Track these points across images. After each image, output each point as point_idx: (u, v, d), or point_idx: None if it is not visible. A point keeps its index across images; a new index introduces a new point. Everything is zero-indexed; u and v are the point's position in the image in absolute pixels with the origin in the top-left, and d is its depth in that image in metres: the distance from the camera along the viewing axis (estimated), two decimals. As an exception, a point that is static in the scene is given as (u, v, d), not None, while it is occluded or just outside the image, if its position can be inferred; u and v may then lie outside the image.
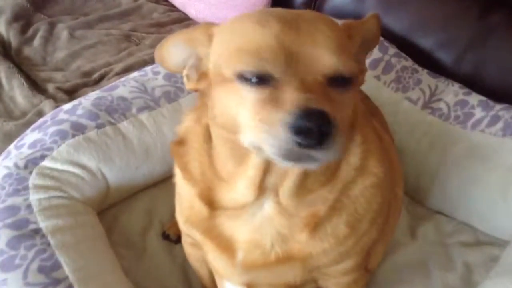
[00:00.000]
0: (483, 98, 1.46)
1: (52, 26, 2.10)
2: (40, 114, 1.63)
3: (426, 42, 1.68)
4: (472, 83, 1.55)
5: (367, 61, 1.56)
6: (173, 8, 2.29)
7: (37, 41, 2.02)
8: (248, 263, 0.89)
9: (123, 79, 1.43)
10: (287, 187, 0.83)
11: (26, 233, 1.04)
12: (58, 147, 1.19)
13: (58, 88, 1.80)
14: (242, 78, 0.72)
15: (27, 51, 1.99)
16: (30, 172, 1.15)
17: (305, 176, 0.82)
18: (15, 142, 1.24)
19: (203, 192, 0.87)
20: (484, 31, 1.62)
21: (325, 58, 0.72)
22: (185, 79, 0.84)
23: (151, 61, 1.85)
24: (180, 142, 0.91)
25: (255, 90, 0.71)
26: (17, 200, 1.10)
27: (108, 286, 1.05)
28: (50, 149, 1.18)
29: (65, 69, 1.92)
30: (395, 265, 1.26)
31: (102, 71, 1.88)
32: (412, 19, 1.73)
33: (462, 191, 1.34)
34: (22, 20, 2.11)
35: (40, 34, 2.05)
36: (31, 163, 1.17)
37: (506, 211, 1.27)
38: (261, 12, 0.78)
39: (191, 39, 0.81)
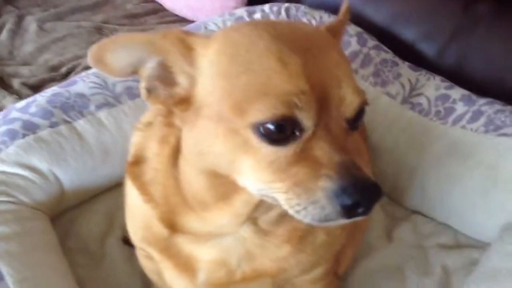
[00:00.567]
0: (466, 92, 1.38)
1: (20, 19, 2.03)
2: (1, 111, 1.55)
3: (408, 33, 1.61)
4: (456, 76, 1.48)
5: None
6: (148, -2, 2.20)
7: (4, 35, 1.95)
8: (211, 283, 0.83)
9: (83, 73, 1.35)
10: (269, 216, 0.78)
11: (-34, 241, 0.97)
12: (6, 148, 1.11)
13: (24, 84, 1.74)
14: (261, 129, 0.62)
15: (-7, 45, 1.91)
16: (-24, 175, 1.07)
17: None
18: (-37, 142, 1.16)
19: (165, 216, 0.79)
20: (469, 21, 1.55)
21: (350, 99, 0.65)
22: (143, 93, 0.70)
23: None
24: (136, 163, 0.83)
25: (279, 146, 0.63)
26: (-40, 205, 1.02)
27: (56, 299, 0.97)
28: (-2, 150, 1.10)
29: (32, 63, 1.85)
30: (368, 270, 1.19)
31: (70, 65, 1.80)
32: (394, 9, 1.66)
33: (441, 190, 1.28)
34: (-11, 13, 2.03)
35: (7, 27, 1.98)
36: (-23, 165, 1.09)
37: (486, 212, 1.20)
38: (269, 36, 0.65)
39: (155, 45, 0.67)
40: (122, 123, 1.25)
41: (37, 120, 1.17)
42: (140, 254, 1.00)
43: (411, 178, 1.33)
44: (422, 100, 1.39)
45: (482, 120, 1.30)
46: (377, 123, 1.39)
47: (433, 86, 1.41)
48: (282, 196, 0.63)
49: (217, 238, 0.80)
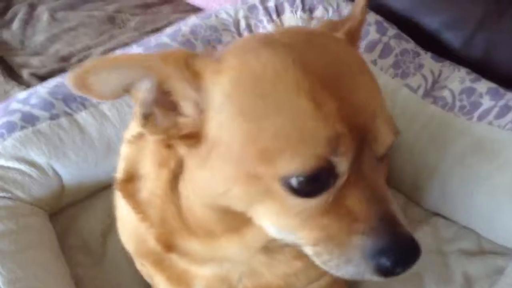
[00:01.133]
0: (493, 85, 1.29)
1: (32, 8, 2.01)
2: (8, 102, 1.52)
3: (431, 21, 1.51)
4: (482, 68, 1.38)
5: (362, 44, 1.40)
6: (163, -13, 2.15)
7: (15, 24, 1.93)
8: None
9: (88, 64, 1.30)
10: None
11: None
12: (4, 141, 1.07)
13: (33, 74, 1.72)
14: (291, 181, 0.54)
15: (5, 35, 1.91)
16: (-29, 169, 1.03)
17: None
18: (-38, 135, 1.12)
19: (162, 237, 0.72)
20: (498, 8, 1.45)
21: (384, 137, 0.59)
22: (139, 120, 0.60)
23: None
24: (128, 180, 0.75)
25: (310, 197, 0.56)
26: (-47, 200, 0.98)
27: (50, 300, 0.93)
28: (-5, 143, 1.06)
29: (43, 54, 1.83)
30: (384, 276, 1.11)
31: (81, 55, 1.77)
32: (417, -5, 1.55)
33: (465, 191, 1.19)
34: (2, 2, 2.02)
35: (19, 16, 1.97)
36: (-27, 159, 1.05)
37: (513, 216, 1.11)
38: (295, 66, 0.56)
39: (152, 68, 0.57)
40: (126, 115, 1.20)
41: (37, 112, 1.13)
42: (134, 258, 0.95)
43: (432, 178, 1.24)
44: (446, 94, 1.30)
45: (510, 116, 1.21)
46: (395, 117, 1.24)
47: (457, 79, 1.32)
48: (310, 248, 0.58)
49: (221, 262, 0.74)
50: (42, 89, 1.19)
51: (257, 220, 0.60)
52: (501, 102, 1.23)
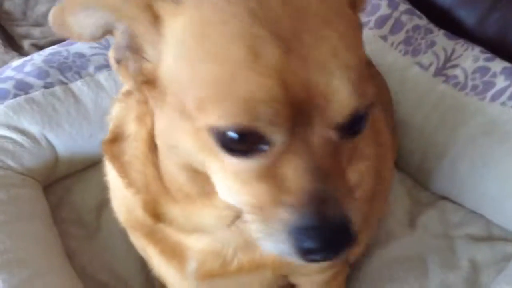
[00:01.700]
0: (508, 64, 1.23)
1: (35, -22, 1.94)
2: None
3: (445, -2, 1.44)
4: (497, 47, 1.32)
5: (372, 18, 1.34)
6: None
7: (18, -6, 1.88)
8: (203, 273, 0.73)
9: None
10: None
11: None
12: (-5, 108, 1.03)
13: (34, 45, 1.69)
14: (220, 135, 0.50)
15: (7, 4, 1.87)
16: (-39, 137, 1.00)
17: None
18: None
19: (148, 204, 0.69)
20: (516, -15, 1.37)
21: (340, 100, 0.50)
22: (112, 63, 0.58)
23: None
24: (114, 140, 0.71)
25: (241, 158, 0.51)
26: None
27: (39, 273, 0.90)
28: (-14, 111, 1.02)
29: (45, 24, 1.80)
30: (386, 260, 1.07)
31: (82, 27, 1.71)
32: (431, -30, 1.48)
33: (474, 174, 1.14)
34: (5, -28, 1.96)
35: (22, -14, 1.90)
36: (-37, 126, 1.01)
37: (525, 201, 1.06)
38: (247, 14, 0.50)
39: (119, 10, 0.55)
40: (124, 86, 1.15)
41: (31, 80, 1.09)
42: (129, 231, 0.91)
43: (440, 159, 1.19)
44: (458, 73, 1.25)
45: (526, 96, 1.15)
46: (405, 95, 1.25)
47: (471, 57, 1.26)
48: (247, 216, 0.53)
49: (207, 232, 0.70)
50: (37, 57, 1.15)
51: (213, 181, 0.56)
52: (517, 82, 1.17)
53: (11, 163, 1.01)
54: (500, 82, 1.19)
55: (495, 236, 1.12)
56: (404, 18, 1.34)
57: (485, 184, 1.12)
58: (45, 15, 1.82)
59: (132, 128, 0.69)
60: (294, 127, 0.49)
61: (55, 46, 1.20)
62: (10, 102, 1.04)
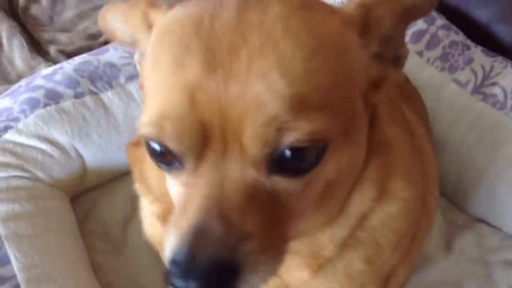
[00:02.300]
0: (550, 84, 1.18)
1: (62, -17, 1.94)
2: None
3: (482, 13, 1.41)
4: (537, 66, 1.27)
5: (408, 33, 1.30)
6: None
7: None
8: None
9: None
10: None
11: (-27, 218, 0.88)
12: (25, 117, 1.01)
13: (60, 51, 1.68)
14: (147, 145, 0.50)
15: (34, 9, 1.87)
16: (-10, 146, 0.98)
17: None
18: (-17, 109, 1.07)
19: (164, 214, 0.66)
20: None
21: (255, 129, 0.45)
22: (138, 69, 0.63)
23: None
24: (138, 143, 0.69)
25: (165, 170, 0.52)
26: (-30, 178, 0.94)
27: (66, 289, 0.87)
28: (16, 119, 1.01)
29: (71, 30, 1.79)
30: (422, 285, 1.03)
31: (109, 34, 1.70)
32: (467, -15, 1.45)
33: (514, 198, 1.09)
34: (32, -23, 1.96)
35: (50, -9, 1.90)
36: (-8, 135, 1.00)
37: None
38: (190, 26, 0.48)
39: (128, 17, 0.59)
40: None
41: (61, 89, 1.07)
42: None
43: (478, 181, 1.15)
44: (497, 91, 1.21)
45: None
46: (441, 113, 1.21)
47: (510, 75, 1.22)
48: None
49: None
50: (67, 66, 1.14)
51: None
52: (559, 103, 1.13)
53: (40, 174, 0.99)
54: (542, 103, 1.15)
55: (535, 263, 1.07)
56: (440, 33, 1.30)
57: (525, 208, 1.08)
58: (72, 20, 1.82)
59: None
60: (205, 151, 0.47)
61: (85, 55, 1.18)
62: (40, 111, 1.02)
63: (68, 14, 1.83)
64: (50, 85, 1.08)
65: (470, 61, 1.26)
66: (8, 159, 0.97)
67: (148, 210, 0.74)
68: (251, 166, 0.47)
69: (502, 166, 1.12)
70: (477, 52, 1.28)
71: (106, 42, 1.71)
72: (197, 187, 0.47)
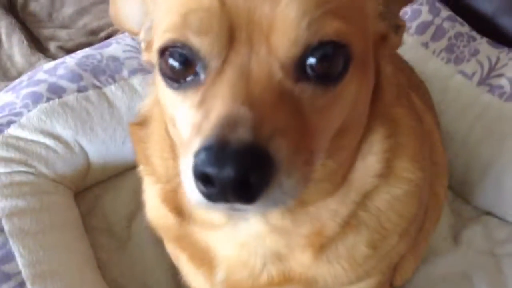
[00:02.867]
0: (556, 75, 1.17)
1: (62, -20, 1.93)
2: (34, 74, 1.46)
3: (487, 4, 1.39)
4: (542, 57, 1.26)
5: (413, 24, 1.29)
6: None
7: (45, -5, 1.86)
8: (231, 284, 0.69)
9: (119, 35, 1.22)
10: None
11: (-24, 213, 0.86)
12: (28, 112, 1.00)
13: (60, 48, 1.66)
14: (162, 63, 0.49)
15: (33, 6, 1.85)
16: (-8, 141, 0.97)
17: None
18: (-15, 104, 1.05)
19: (168, 195, 0.65)
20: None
21: (286, 24, 0.45)
22: (142, 45, 0.63)
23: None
24: (141, 123, 0.68)
25: (179, 91, 0.49)
26: (-28, 173, 0.92)
27: (72, 286, 0.86)
28: (19, 114, 1.00)
29: (71, 27, 1.78)
30: (430, 277, 1.02)
31: (109, 30, 1.70)
32: (472, -24, 1.44)
33: (522, 190, 1.08)
34: (31, -26, 1.94)
35: (49, -13, 1.88)
36: (-5, 129, 0.98)
37: None
38: None
39: None
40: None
41: (64, 83, 1.06)
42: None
43: (484, 173, 1.14)
44: (503, 82, 1.20)
45: None
46: (447, 105, 1.20)
47: (517, 67, 1.21)
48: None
49: (230, 228, 0.65)
50: (70, 60, 1.12)
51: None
52: None
53: (44, 169, 0.98)
54: (549, 93, 1.14)
55: (544, 255, 1.07)
56: (446, 24, 1.29)
57: (534, 200, 1.07)
58: (72, 17, 1.81)
59: (154, 111, 0.67)
60: (230, 48, 0.45)
61: (87, 49, 1.17)
62: (43, 106, 1.01)
63: (68, 10, 1.81)
64: (53, 79, 1.06)
65: (476, 52, 1.25)
66: (11, 154, 0.95)
67: (151, 192, 0.72)
68: (279, 68, 0.46)
69: (509, 158, 1.11)
70: (482, 44, 1.27)
71: (106, 38, 1.70)
72: (222, 89, 0.45)
